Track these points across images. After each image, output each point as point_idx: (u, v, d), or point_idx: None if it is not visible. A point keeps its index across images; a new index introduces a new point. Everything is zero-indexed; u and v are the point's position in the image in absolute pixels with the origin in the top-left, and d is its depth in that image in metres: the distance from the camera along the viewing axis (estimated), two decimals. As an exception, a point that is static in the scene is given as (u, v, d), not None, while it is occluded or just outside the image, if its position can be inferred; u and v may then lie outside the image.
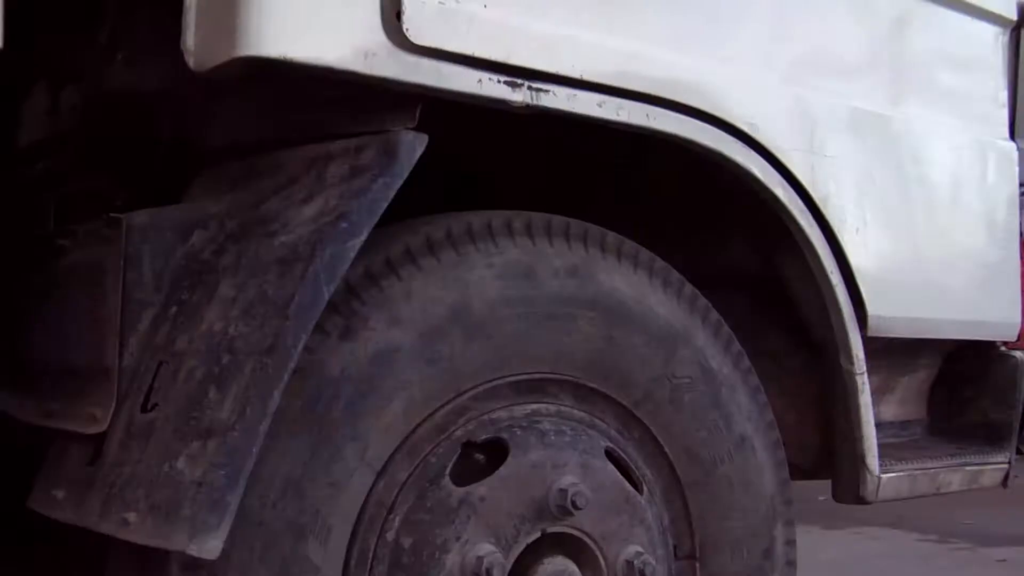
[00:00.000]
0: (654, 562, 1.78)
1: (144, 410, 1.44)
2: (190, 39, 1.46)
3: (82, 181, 1.92)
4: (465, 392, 1.65)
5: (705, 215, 2.22)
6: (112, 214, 1.54)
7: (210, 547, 1.27)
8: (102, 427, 1.48)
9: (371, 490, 1.55)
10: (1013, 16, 2.62)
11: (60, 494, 1.53)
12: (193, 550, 1.27)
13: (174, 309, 1.51)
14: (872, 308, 2.16)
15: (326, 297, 1.38)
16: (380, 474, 1.57)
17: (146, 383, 1.46)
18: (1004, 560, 5.39)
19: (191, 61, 1.47)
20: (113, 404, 1.48)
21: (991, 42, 2.61)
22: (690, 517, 1.93)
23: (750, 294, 2.24)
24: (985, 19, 2.57)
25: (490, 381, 1.69)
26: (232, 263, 1.49)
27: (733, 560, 1.97)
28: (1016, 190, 2.63)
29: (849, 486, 2.25)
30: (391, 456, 1.58)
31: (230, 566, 1.39)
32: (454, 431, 1.66)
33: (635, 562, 1.75)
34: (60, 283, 1.70)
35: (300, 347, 1.35)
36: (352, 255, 1.41)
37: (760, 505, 2.01)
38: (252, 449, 1.30)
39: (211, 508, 1.27)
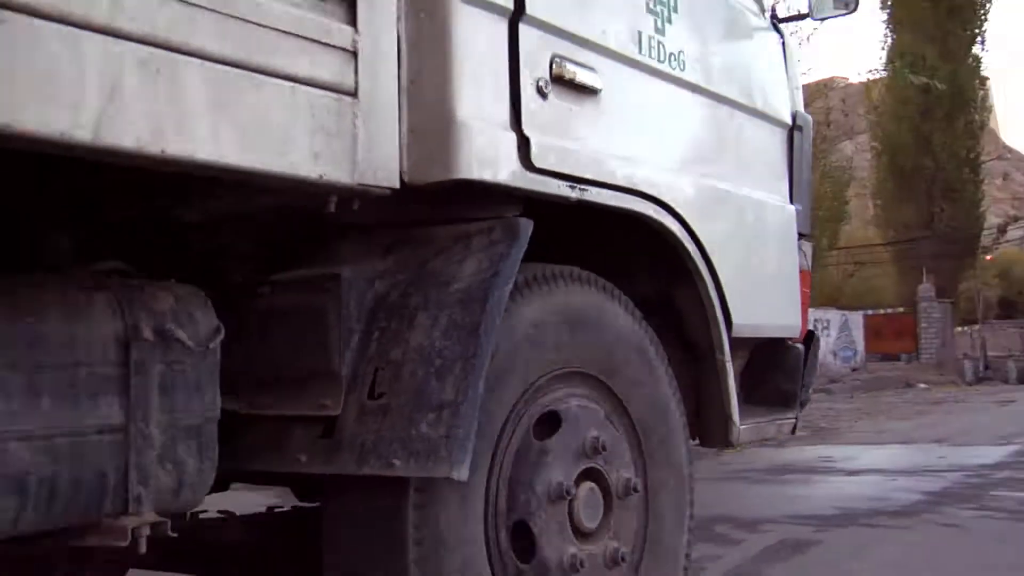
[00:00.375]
0: (636, 479, 2.77)
1: (372, 398, 2.20)
2: (405, 163, 2.25)
3: (240, 244, 2.57)
4: (538, 379, 2.52)
5: (630, 264, 3.09)
6: (330, 271, 2.31)
7: (463, 473, 2.09)
8: (335, 412, 2.22)
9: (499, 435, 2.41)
10: (788, 122, 3.90)
11: (304, 457, 2.23)
12: (455, 476, 2.09)
13: (377, 334, 2.27)
14: (735, 318, 3.20)
15: (498, 323, 2.21)
16: (502, 430, 2.41)
17: (367, 381, 2.22)
18: None
19: (405, 178, 2.25)
20: (342, 396, 2.22)
21: (778, 139, 3.88)
22: (643, 455, 2.88)
23: (649, 313, 3.02)
24: (774, 124, 3.82)
25: (547, 373, 2.55)
26: (422, 303, 2.27)
27: (668, 479, 2.98)
28: (795, 237, 3.87)
29: (720, 436, 3.33)
30: (508, 416, 2.43)
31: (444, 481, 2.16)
32: (532, 404, 2.51)
33: (628, 480, 2.73)
34: (281, 317, 2.34)
35: (490, 353, 2.19)
36: (507, 296, 2.26)
37: (679, 443, 3.05)
38: (474, 414, 2.12)
39: (460, 450, 2.07)
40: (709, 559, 5.29)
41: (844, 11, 4.14)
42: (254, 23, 1.85)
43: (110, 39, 1.63)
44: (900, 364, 39.72)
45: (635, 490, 2.76)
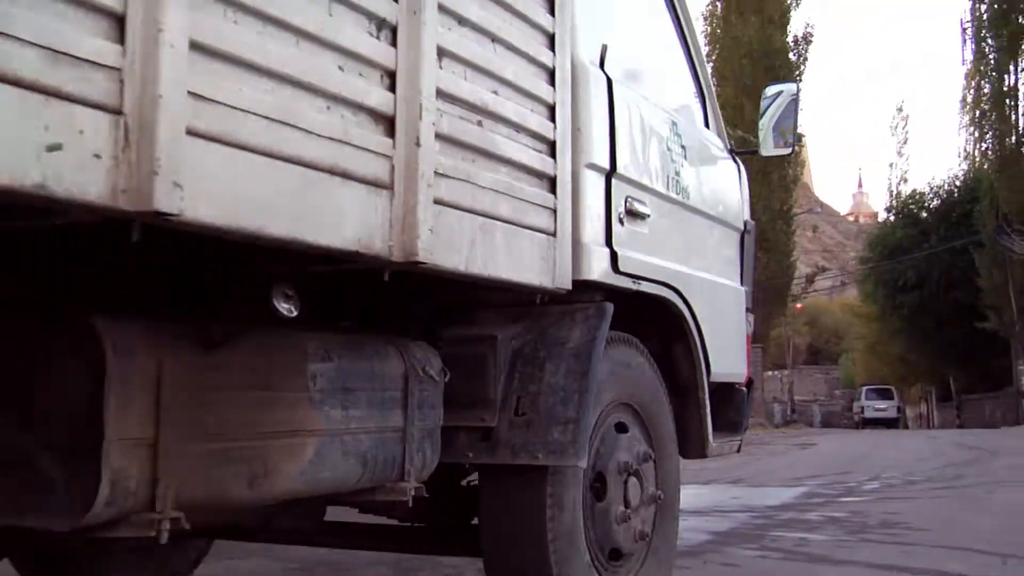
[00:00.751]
0: (658, 491, 4.04)
1: (517, 415, 3.38)
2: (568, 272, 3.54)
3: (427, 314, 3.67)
4: (608, 404, 3.78)
5: (645, 329, 4.15)
6: (488, 332, 3.53)
7: (583, 463, 3.43)
8: (492, 424, 3.39)
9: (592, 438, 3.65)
10: (741, 227, 5.37)
11: (471, 453, 3.44)
12: (580, 465, 3.41)
13: (517, 375, 3.47)
14: (712, 368, 4.48)
15: (597, 370, 3.47)
16: (593, 433, 3.65)
17: (512, 405, 3.40)
18: None
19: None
20: (496, 414, 3.39)
21: (735, 240, 5.33)
22: (658, 469, 4.07)
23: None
24: (733, 229, 5.27)
25: (613, 401, 3.81)
26: (547, 355, 3.47)
27: (671, 490, 4.26)
28: (745, 310, 5.28)
29: (698, 450, 4.53)
30: (596, 424, 3.65)
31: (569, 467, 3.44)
32: (607, 418, 3.79)
33: (654, 492, 4.01)
34: (456, 361, 3.39)
35: (595, 387, 3.44)
36: (602, 352, 3.53)
37: (676, 462, 4.38)
38: (588, 427, 3.42)
39: (581, 449, 3.33)
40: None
41: (785, 149, 5.60)
42: (525, 201, 3.23)
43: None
44: (712, 405, 41.12)
45: (658, 499, 4.06)
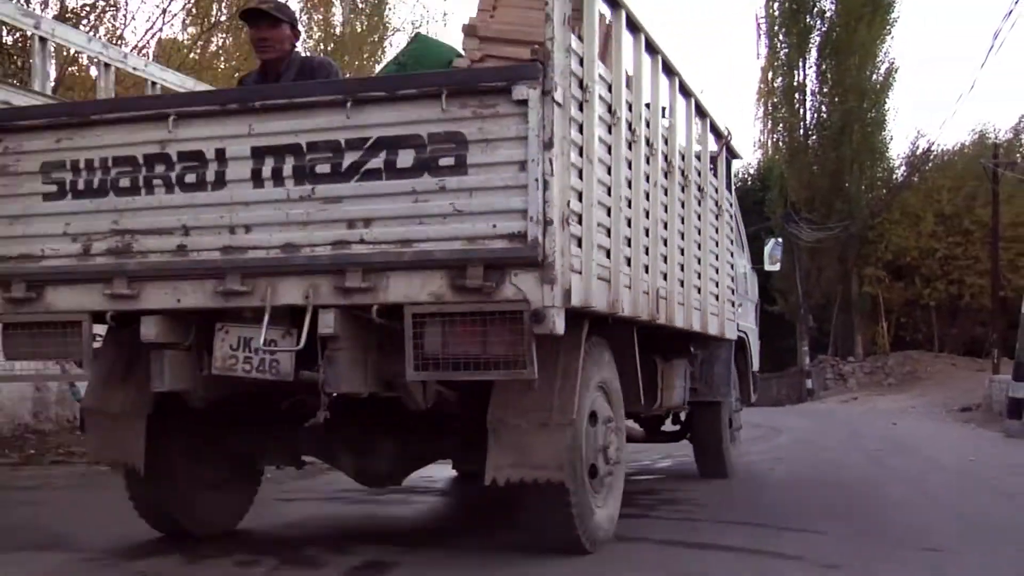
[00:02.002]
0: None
1: (705, 383, 8.97)
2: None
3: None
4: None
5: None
6: (701, 351, 8.75)
7: (729, 399, 9.59)
8: (697, 387, 8.64)
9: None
10: (757, 301, 11.85)
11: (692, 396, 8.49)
12: (729, 400, 9.66)
13: (707, 367, 8.93)
14: (753, 363, 10.79)
15: (731, 365, 9.55)
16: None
17: (705, 378, 8.99)
18: (143, 572, 5.62)
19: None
20: (699, 381, 8.80)
21: (754, 306, 11.40)
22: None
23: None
24: (752, 302, 11.32)
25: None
26: (715, 360, 9.08)
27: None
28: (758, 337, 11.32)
29: (747, 400, 10.86)
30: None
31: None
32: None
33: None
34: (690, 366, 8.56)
35: (731, 371, 9.58)
36: (732, 359, 9.58)
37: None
38: (730, 386, 9.51)
39: (728, 395, 9.53)
40: (290, 583, 5.29)
41: (775, 266, 12.38)
42: (727, 311, 8.84)
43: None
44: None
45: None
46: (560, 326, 4.50)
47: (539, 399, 4.89)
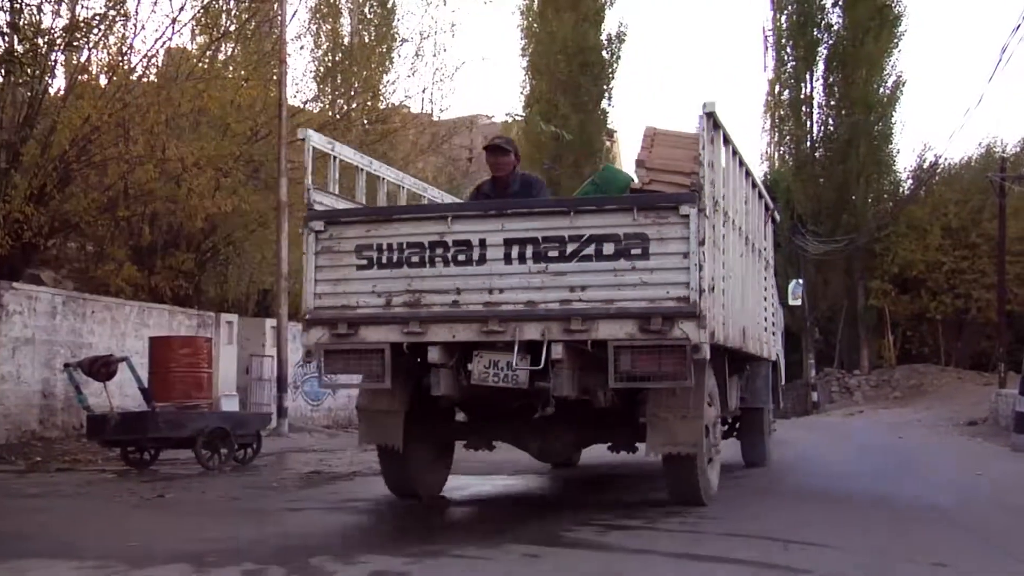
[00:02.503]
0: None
1: (749, 392, 11.75)
2: None
3: None
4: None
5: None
6: (747, 368, 11.47)
7: (768, 408, 12.88)
8: (746, 396, 11.68)
9: None
10: (783, 329, 14.44)
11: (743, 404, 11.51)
12: (768, 407, 12.64)
13: (750, 381, 11.64)
14: (781, 378, 13.53)
15: (770, 379, 12.50)
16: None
17: (750, 388, 11.77)
18: None
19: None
20: (746, 392, 11.77)
21: (781, 333, 13.84)
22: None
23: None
24: (780, 329, 13.72)
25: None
26: (757, 375, 11.94)
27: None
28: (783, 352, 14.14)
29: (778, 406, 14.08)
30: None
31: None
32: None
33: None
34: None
35: (769, 384, 12.36)
36: (770, 374, 12.53)
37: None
38: (769, 397, 12.43)
39: (767, 403, 12.54)
40: (298, 592, 5.29)
41: (797, 301, 19.23)
42: (769, 337, 11.81)
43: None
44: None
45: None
46: (707, 354, 7.33)
47: (680, 400, 7.68)
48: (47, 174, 16.47)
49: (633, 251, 7.35)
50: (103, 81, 17.87)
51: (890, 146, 40.18)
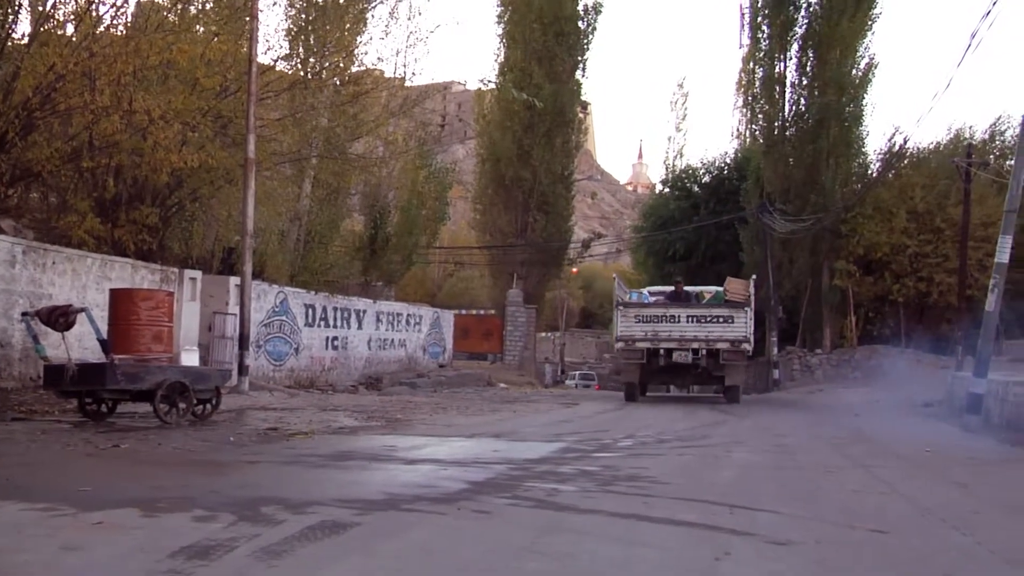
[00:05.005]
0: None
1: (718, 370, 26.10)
2: None
3: None
4: None
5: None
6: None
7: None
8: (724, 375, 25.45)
9: None
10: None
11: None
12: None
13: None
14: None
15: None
16: None
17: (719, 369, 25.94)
18: (100, 523, 5.71)
19: None
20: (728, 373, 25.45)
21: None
22: None
23: None
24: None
25: None
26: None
27: None
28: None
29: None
30: None
31: None
32: None
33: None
34: None
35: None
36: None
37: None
38: (742, 375, 27.80)
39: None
40: (246, 538, 5.31)
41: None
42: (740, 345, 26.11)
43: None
44: (485, 363, 41.79)
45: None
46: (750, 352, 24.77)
47: (739, 370, 24.97)
48: (9, 121, 16.27)
49: (727, 320, 23.71)
50: (70, 29, 17.62)
51: (860, 128, 40.30)
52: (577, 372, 56.98)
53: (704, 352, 23.54)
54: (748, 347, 23.71)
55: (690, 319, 23.72)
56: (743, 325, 23.44)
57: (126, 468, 8.60)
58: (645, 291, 27.85)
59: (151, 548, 5.07)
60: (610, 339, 78.96)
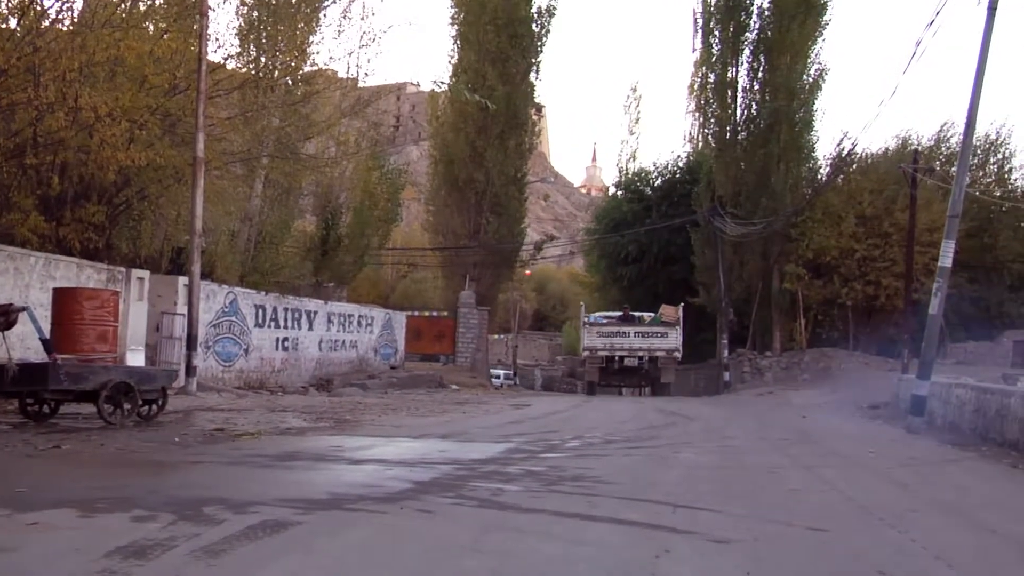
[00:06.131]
0: None
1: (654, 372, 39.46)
2: None
3: None
4: None
5: None
6: None
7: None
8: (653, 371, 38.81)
9: None
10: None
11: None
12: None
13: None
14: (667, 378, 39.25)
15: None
16: None
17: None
18: (35, 523, 5.67)
19: None
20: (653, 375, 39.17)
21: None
22: None
23: None
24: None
25: None
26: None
27: None
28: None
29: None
30: None
31: None
32: None
33: None
34: None
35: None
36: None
37: None
38: (672, 374, 39.77)
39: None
40: (185, 538, 5.28)
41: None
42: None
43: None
44: (437, 365, 41.71)
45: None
46: (680, 358, 37.47)
47: (670, 370, 36.49)
48: (-51, 116, 16.00)
49: (663, 335, 36.23)
50: (13, 23, 17.36)
51: (810, 133, 40.72)
52: (501, 372, 55.48)
53: (647, 358, 36.09)
54: (678, 354, 36.24)
55: (636, 334, 36.39)
56: (675, 339, 36.06)
57: (66, 469, 8.48)
58: (598, 315, 40.03)
59: (87, 548, 5.02)
60: (563, 342, 79.94)
